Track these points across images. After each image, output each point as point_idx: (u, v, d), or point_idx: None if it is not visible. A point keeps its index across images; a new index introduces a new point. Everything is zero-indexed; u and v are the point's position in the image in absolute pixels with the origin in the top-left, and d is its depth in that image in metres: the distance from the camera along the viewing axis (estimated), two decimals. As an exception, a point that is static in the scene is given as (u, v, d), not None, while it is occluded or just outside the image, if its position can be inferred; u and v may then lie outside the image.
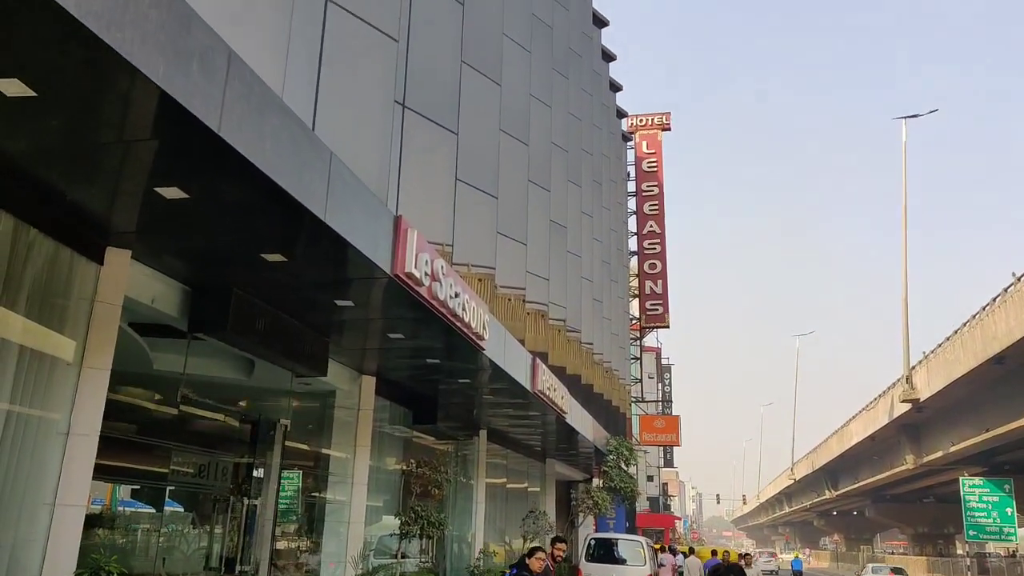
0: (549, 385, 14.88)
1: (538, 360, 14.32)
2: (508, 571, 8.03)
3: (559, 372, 17.46)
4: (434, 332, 9.80)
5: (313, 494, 11.76)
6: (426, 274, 8.17)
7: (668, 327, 36.60)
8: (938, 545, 53.94)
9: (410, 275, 7.77)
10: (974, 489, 33.44)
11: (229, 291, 7.71)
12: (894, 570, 36.19)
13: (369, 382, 12.00)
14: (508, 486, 20.62)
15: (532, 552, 8.95)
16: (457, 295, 9.24)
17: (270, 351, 8.86)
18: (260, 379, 9.97)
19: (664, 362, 55.84)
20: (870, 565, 40.77)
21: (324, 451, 11.76)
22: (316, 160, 6.17)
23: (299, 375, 10.06)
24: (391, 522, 12.92)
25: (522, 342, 14.54)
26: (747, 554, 17.76)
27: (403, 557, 12.44)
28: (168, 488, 9.90)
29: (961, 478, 34.04)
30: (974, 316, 26.47)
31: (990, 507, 33.05)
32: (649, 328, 38.57)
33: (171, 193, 5.62)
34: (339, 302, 8.41)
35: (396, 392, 13.18)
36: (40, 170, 5.49)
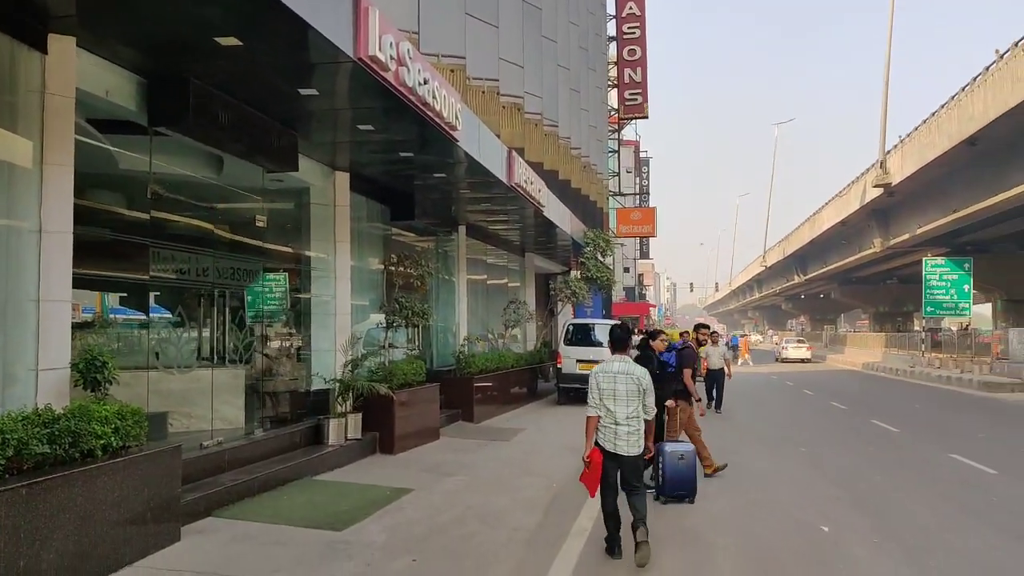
0: (526, 178, 14.82)
1: (514, 153, 14.15)
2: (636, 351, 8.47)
3: (536, 168, 17.34)
4: (405, 123, 9.56)
5: (298, 292, 12.01)
6: (392, 58, 7.82)
7: (647, 118, 35.93)
8: (897, 322, 57.11)
9: (374, 59, 7.42)
10: (935, 269, 34.89)
11: (186, 81, 7.38)
12: (799, 340, 50.76)
13: (343, 178, 11.88)
14: (489, 282, 21.16)
15: (654, 335, 9.41)
16: (426, 81, 8.91)
17: (237, 145, 8.65)
18: (231, 177, 9.82)
19: (642, 155, 55.56)
20: (785, 339, 52.69)
21: (304, 250, 11.86)
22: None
23: (270, 171, 9.90)
24: (376, 318, 13.37)
25: (497, 138, 14.27)
26: (714, 332, 18.71)
27: (390, 347, 12.99)
28: (153, 291, 10.03)
29: (924, 259, 35.38)
30: (952, 97, 26.21)
31: (949, 285, 34.68)
32: (628, 119, 37.90)
33: (108, -32, 5.19)
34: (303, 91, 8.10)
35: (371, 188, 13.09)
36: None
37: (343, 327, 11.86)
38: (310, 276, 11.84)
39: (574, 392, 17.77)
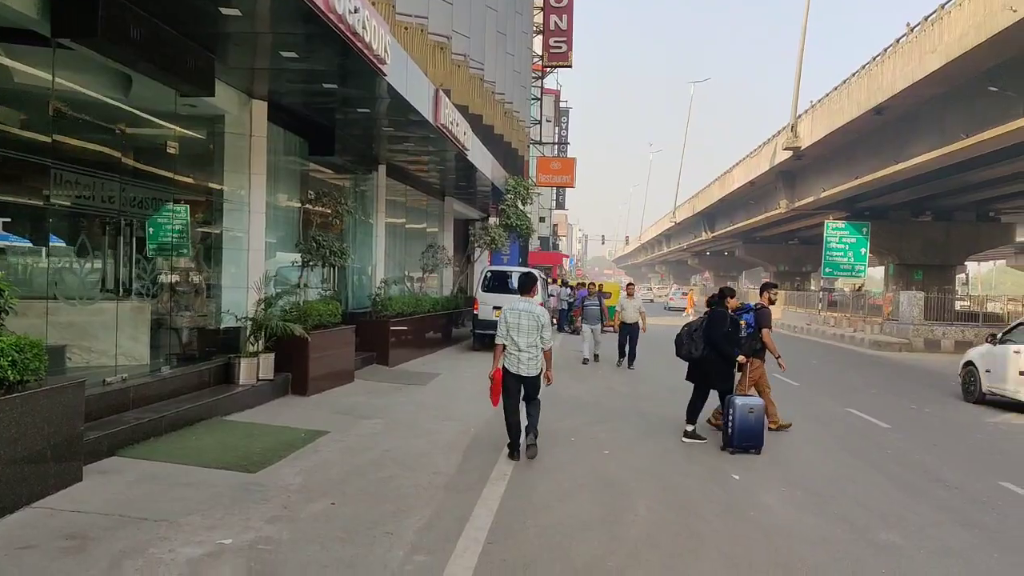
0: (452, 120, 14.50)
1: (441, 92, 13.78)
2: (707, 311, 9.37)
3: (462, 111, 16.98)
4: (331, 52, 9.12)
5: (209, 225, 11.43)
6: (323, -19, 7.39)
7: (571, 67, 35.70)
8: (796, 281, 59.62)
9: (305, -20, 7.00)
10: (836, 232, 36.43)
11: (95, -10, 6.76)
12: (684, 293, 55.77)
13: (261, 107, 11.30)
14: (407, 225, 20.80)
15: (728, 293, 9.91)
16: (356, 10, 8.49)
17: (149, 65, 8.05)
18: (140, 99, 9.15)
19: (562, 105, 55.36)
20: (673, 290, 61.44)
21: (217, 181, 11.27)
22: None
23: (183, 94, 9.30)
24: (291, 257, 12.91)
25: (425, 76, 13.83)
26: (630, 284, 19.10)
27: (305, 287, 12.63)
28: (52, 217, 9.32)
29: (826, 222, 36.86)
30: (864, 66, 27.01)
31: (847, 248, 36.31)
32: (551, 68, 37.57)
33: None
34: (224, 10, 7.57)
35: (291, 120, 12.54)
36: None
37: (256, 264, 11.42)
38: (222, 209, 11.30)
39: (490, 338, 17.72)
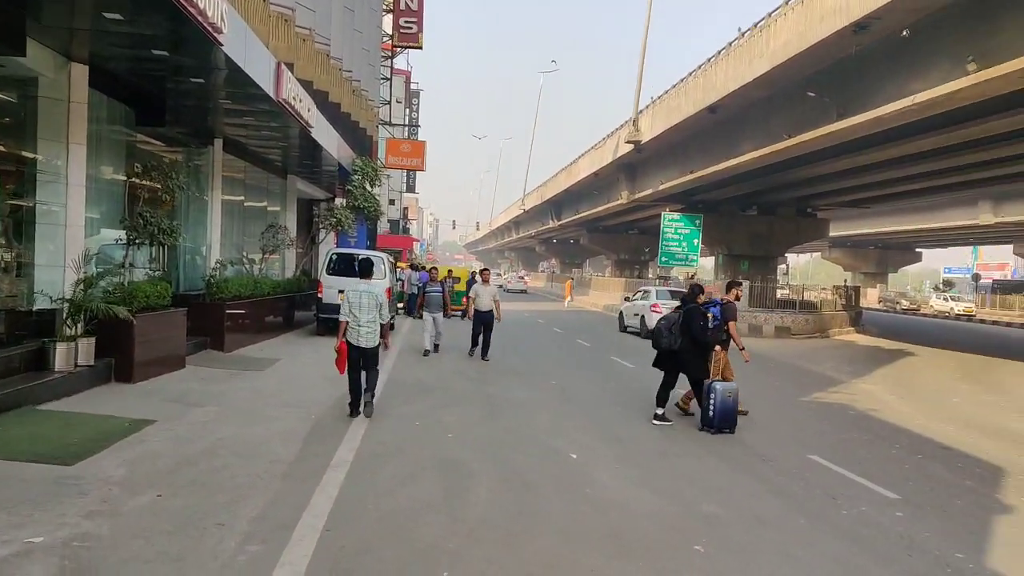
0: (295, 95, 13.96)
1: (284, 66, 13.22)
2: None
3: (306, 87, 16.37)
4: (160, 16, 8.51)
5: (19, 198, 10.38)
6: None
7: (421, 48, 35.23)
8: (635, 269, 62.46)
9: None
10: (672, 223, 38.43)
11: None
12: (520, 277, 65.66)
13: (81, 71, 10.38)
14: (246, 203, 19.86)
15: (699, 290, 10.72)
16: (190, -28, 7.96)
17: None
18: (-67, 52, 8.16)
19: (413, 87, 54.82)
20: (513, 274, 63.47)
21: (29, 150, 10.25)
22: None
23: (-12, 52, 8.37)
24: (115, 234, 11.98)
25: (266, 48, 13.20)
26: (485, 269, 18.54)
27: (131, 266, 11.78)
28: None
29: (663, 213, 38.81)
30: (700, 66, 28.56)
31: (682, 238, 38.40)
32: (401, 48, 37.02)
33: None
34: (36, -40, 6.87)
35: (115, 87, 11.60)
36: None
37: (75, 241, 10.51)
38: (35, 181, 10.29)
39: (334, 323, 17.32)
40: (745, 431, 10.15)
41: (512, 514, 6.12)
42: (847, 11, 17.62)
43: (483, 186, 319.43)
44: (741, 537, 5.95)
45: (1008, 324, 43.86)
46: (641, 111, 34.52)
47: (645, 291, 26.86)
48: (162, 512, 5.55)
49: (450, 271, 25.75)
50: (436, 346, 16.86)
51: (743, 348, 10.92)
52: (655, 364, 10.60)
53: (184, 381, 11.04)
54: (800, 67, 21.35)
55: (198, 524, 5.35)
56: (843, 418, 11.90)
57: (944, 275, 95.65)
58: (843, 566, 5.49)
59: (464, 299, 24.34)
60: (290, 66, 14.96)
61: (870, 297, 64.77)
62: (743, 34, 24.69)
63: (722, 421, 9.77)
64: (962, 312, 54.46)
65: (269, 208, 21.95)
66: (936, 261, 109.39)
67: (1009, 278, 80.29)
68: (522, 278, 68.28)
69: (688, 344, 10.10)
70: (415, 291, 28.17)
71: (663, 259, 39.14)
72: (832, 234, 54.27)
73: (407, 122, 49.35)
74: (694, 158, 32.02)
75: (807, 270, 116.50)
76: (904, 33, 17.06)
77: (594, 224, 60.79)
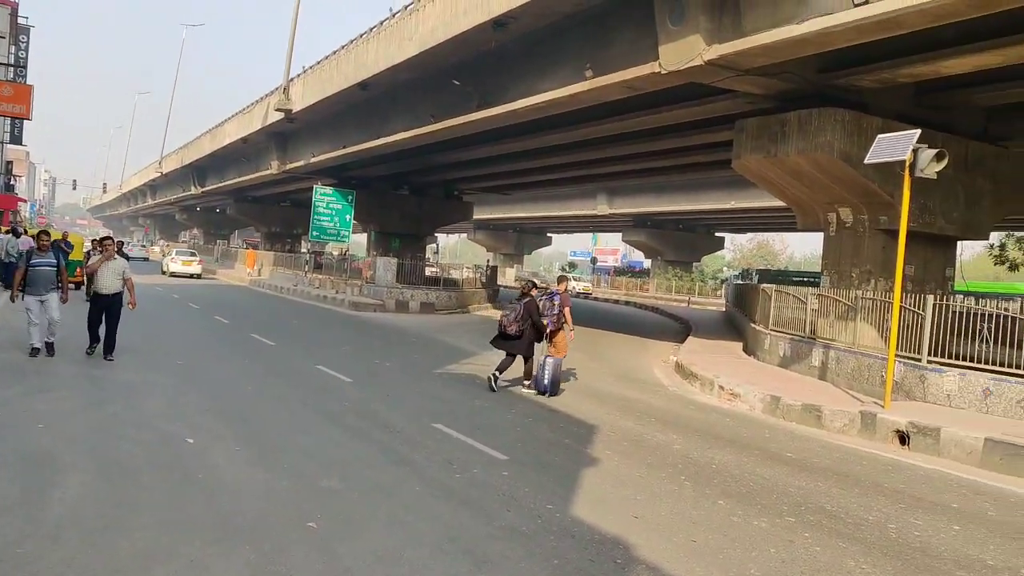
0: None
1: None
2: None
3: None
4: None
5: None
6: None
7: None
8: (287, 243, 60.75)
9: None
10: (324, 197, 37.98)
11: None
12: (191, 254, 46.91)
13: None
14: None
15: (532, 286, 12.87)
16: None
17: None
18: None
19: (22, 21, 46.74)
20: (175, 251, 50.67)
21: None
22: None
23: None
24: None
25: None
26: (107, 238, 15.17)
27: None
28: None
29: (315, 187, 38.17)
30: (351, 41, 28.41)
31: (334, 213, 38.17)
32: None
33: None
34: None
35: None
36: None
37: None
38: None
39: None
40: (378, 403, 10.35)
41: (105, 508, 5.49)
42: (488, 7, 18.75)
43: (114, 144, 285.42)
44: (356, 509, 6.02)
45: (616, 301, 50.78)
46: (292, 80, 33.43)
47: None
48: None
49: (65, 235, 22.47)
50: (50, 344, 12.01)
51: (572, 329, 12.60)
52: (495, 342, 12.66)
53: None
54: (446, 55, 22.26)
55: None
56: (470, 387, 12.74)
57: (570, 258, 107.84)
58: (446, 526, 5.81)
59: (79, 270, 21.55)
60: None
61: (508, 276, 70.58)
62: (395, 14, 25.07)
63: (553, 387, 12.10)
64: (582, 291, 61.98)
65: None
66: (565, 245, 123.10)
67: (619, 264, 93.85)
68: (144, 247, 69.35)
69: (528, 328, 12.20)
70: (13, 261, 23.84)
71: (314, 234, 38.58)
72: (476, 217, 58.09)
73: (13, 62, 42.02)
74: (348, 134, 31.91)
75: (456, 249, 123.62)
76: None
77: (243, 194, 57.81)
